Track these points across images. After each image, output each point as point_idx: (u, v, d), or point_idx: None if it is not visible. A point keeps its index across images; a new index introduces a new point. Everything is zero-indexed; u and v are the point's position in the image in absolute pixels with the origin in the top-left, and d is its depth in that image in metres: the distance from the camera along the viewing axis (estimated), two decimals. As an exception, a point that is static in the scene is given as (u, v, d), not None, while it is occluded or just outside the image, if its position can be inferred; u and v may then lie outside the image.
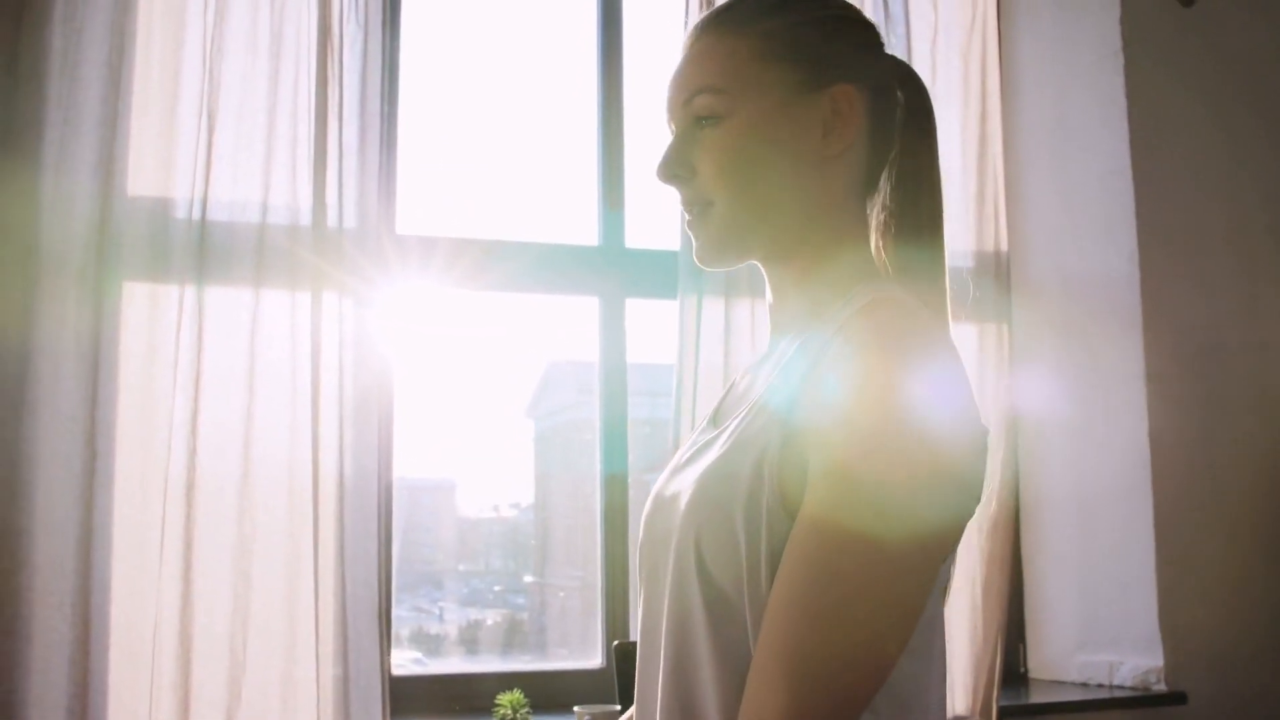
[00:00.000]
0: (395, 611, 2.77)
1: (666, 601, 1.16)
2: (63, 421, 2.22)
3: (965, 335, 2.91)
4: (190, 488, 2.29)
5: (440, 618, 3.19)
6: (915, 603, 1.04)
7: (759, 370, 1.28)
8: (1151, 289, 2.88)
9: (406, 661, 3.01)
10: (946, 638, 2.67)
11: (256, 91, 2.41)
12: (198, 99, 2.38)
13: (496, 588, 3.30)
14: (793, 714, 0.99)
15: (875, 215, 1.28)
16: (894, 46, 2.89)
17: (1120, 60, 2.96)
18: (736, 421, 1.17)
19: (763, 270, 1.29)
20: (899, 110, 1.26)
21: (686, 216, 1.26)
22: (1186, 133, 2.99)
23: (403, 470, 2.69)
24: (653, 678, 1.19)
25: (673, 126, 1.26)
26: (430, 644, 3.15)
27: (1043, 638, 3.08)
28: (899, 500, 1.01)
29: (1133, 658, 2.86)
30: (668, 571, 1.16)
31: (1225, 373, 2.94)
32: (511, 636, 3.22)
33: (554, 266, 2.84)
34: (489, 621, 3.24)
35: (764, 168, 1.20)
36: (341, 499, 2.36)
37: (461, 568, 3.37)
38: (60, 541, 2.20)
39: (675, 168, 1.24)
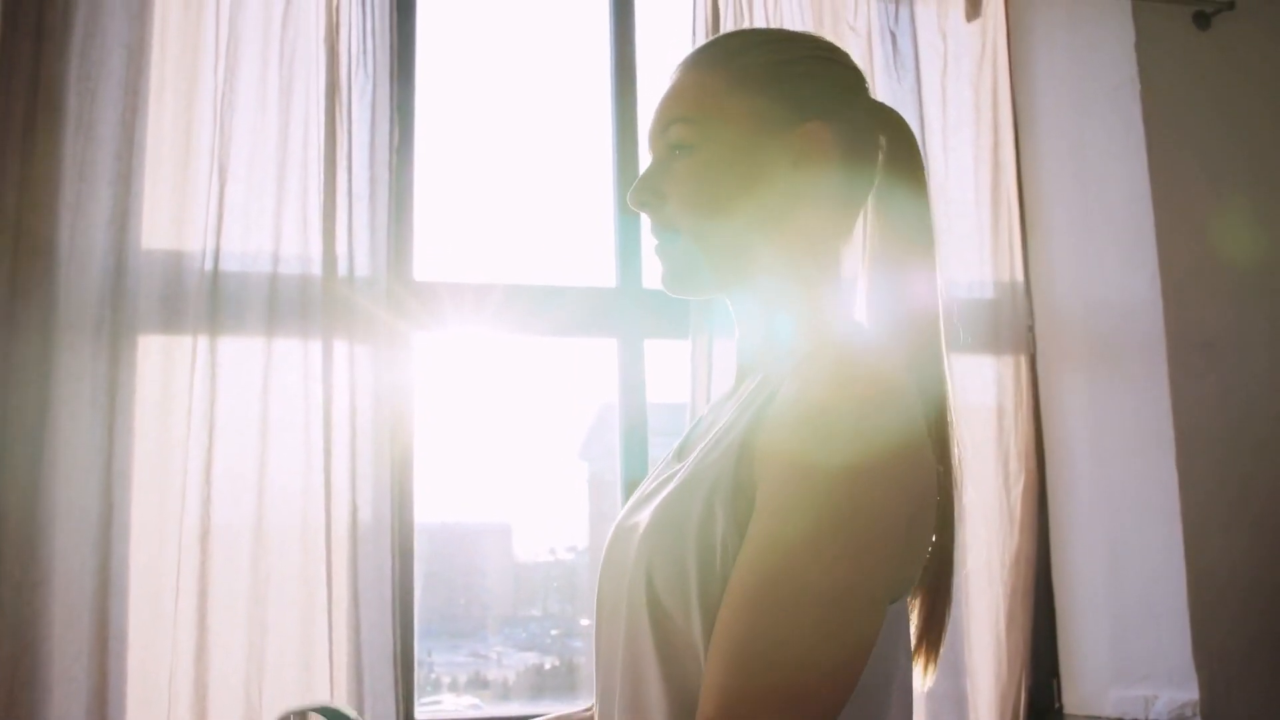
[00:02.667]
0: (450, 658, 2.78)
1: (622, 631, 1.15)
2: (79, 472, 2.26)
3: (983, 367, 2.89)
4: (205, 536, 2.32)
5: (498, 663, 3.19)
6: (856, 642, 1.02)
7: (723, 406, 1.28)
8: (1175, 315, 2.84)
9: (463, 707, 3.01)
10: (970, 672, 2.67)
11: (267, 144, 2.46)
12: (209, 153, 2.43)
13: (554, 632, 3.30)
14: None
15: (865, 259, 1.27)
16: (903, 78, 2.90)
17: (1136, 85, 2.93)
18: (695, 455, 1.17)
19: (729, 305, 1.29)
20: (880, 155, 1.26)
21: (655, 242, 1.27)
22: (1206, 157, 2.95)
23: (457, 515, 2.70)
24: (610, 710, 1.18)
25: (651, 154, 1.28)
26: (488, 689, 3.15)
27: (1076, 672, 3.03)
28: (837, 541, 1.00)
29: (1168, 691, 2.80)
30: (622, 601, 1.16)
31: (1253, 397, 2.89)
32: (570, 680, 3.21)
33: (572, 309, 2.84)
34: (546, 666, 3.24)
35: (730, 199, 1.21)
36: (354, 544, 2.38)
37: (518, 612, 3.37)
38: (77, 591, 2.23)
39: (645, 194, 1.25)
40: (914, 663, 1.22)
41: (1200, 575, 2.77)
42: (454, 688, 3.11)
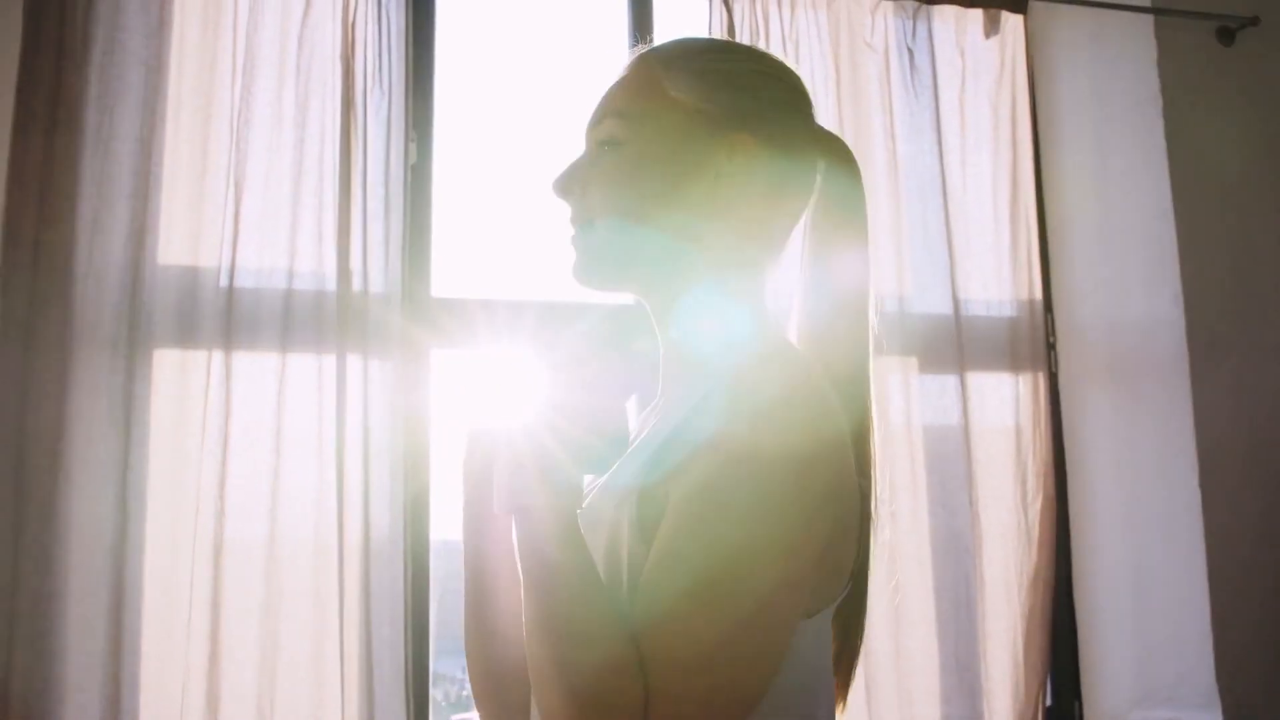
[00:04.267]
0: None
1: None
2: (95, 485, 2.28)
3: (1001, 385, 2.87)
4: (218, 549, 2.33)
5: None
6: (775, 651, 1.01)
7: (648, 418, 1.27)
8: (1197, 332, 2.82)
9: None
10: (987, 694, 2.64)
11: (282, 161, 2.48)
12: (226, 170, 2.45)
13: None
14: None
15: (799, 285, 1.26)
16: (920, 95, 2.89)
17: (1159, 102, 2.91)
18: (612, 472, 1.17)
19: (646, 308, 1.27)
20: (817, 179, 1.25)
21: (570, 232, 1.25)
22: (1229, 174, 2.92)
23: None
24: None
25: (584, 145, 1.27)
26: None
27: (1099, 694, 2.99)
28: (760, 548, 0.99)
29: (1191, 713, 2.76)
30: None
31: (1276, 416, 2.85)
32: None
33: (590, 325, 2.84)
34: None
35: (649, 199, 1.20)
36: (367, 560, 2.39)
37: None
38: (92, 603, 2.25)
39: (567, 183, 1.24)
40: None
41: (1224, 596, 2.74)
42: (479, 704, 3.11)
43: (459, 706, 3.07)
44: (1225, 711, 2.70)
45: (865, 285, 1.23)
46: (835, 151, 1.26)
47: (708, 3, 2.78)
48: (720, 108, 1.20)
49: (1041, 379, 2.88)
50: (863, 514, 1.14)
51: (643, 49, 1.28)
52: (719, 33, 2.74)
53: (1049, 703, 2.87)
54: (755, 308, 1.23)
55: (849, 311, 1.22)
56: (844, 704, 1.21)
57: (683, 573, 1.00)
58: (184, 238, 2.43)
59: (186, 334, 2.40)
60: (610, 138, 1.21)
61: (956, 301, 2.84)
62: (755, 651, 0.99)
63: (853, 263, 1.23)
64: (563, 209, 1.27)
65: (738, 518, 1.00)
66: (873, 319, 1.23)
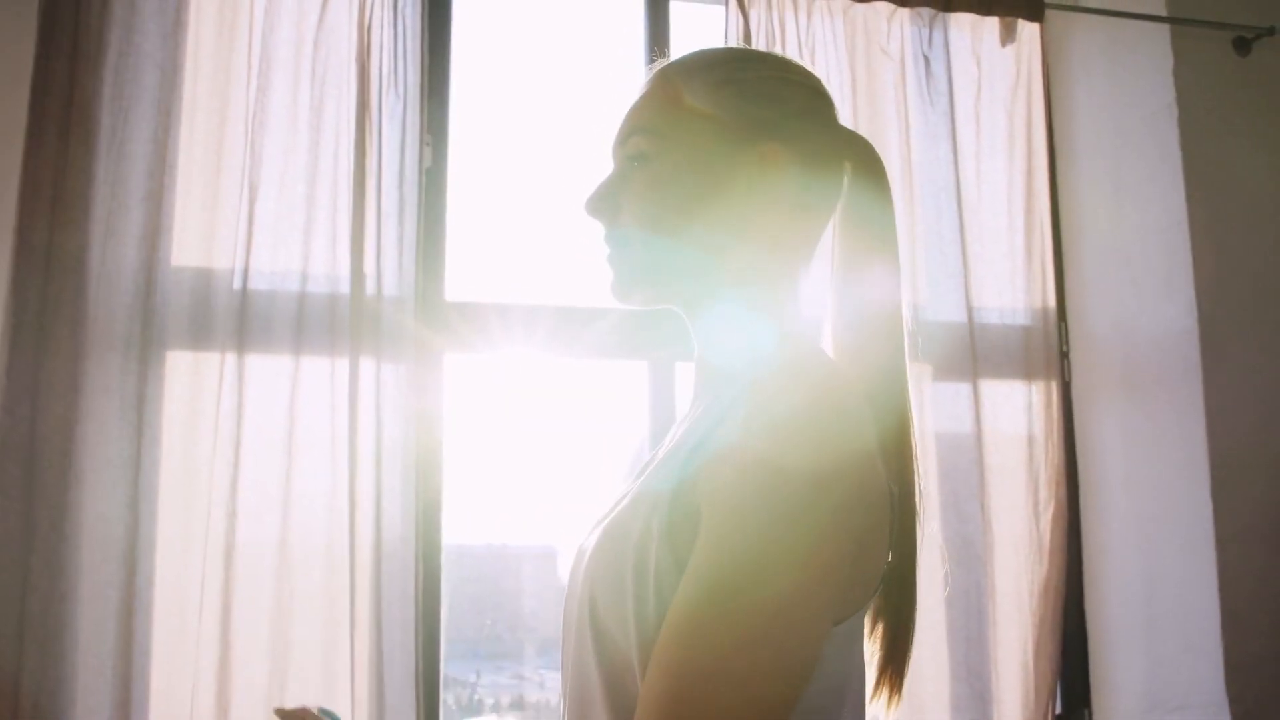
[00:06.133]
0: (493, 678, 2.77)
1: (572, 653, 1.15)
2: (106, 486, 2.28)
3: (1014, 393, 2.86)
4: (230, 551, 2.33)
5: (540, 684, 3.20)
6: (798, 657, 1.00)
7: (680, 426, 1.27)
8: (1211, 342, 2.81)
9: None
10: (997, 701, 2.64)
11: (297, 163, 2.48)
12: (240, 172, 2.45)
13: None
14: None
15: (830, 286, 1.26)
16: (936, 102, 2.88)
17: (1175, 112, 2.90)
18: (646, 474, 1.17)
19: (686, 320, 1.28)
20: (845, 180, 1.24)
21: (605, 251, 1.26)
22: (1244, 183, 2.91)
23: (503, 538, 2.70)
24: None
25: (612, 163, 1.27)
26: (531, 711, 3.15)
27: (1109, 702, 2.99)
28: (780, 554, 0.98)
29: (1201, 724, 2.76)
30: (573, 623, 1.15)
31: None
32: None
33: (603, 330, 2.83)
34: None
35: (683, 214, 1.20)
36: (378, 563, 2.39)
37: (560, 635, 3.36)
38: (103, 604, 2.25)
39: (600, 203, 1.24)
40: (876, 695, 1.20)
41: (1235, 605, 2.73)
42: (496, 708, 3.12)
43: (469, 710, 3.08)
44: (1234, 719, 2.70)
45: (896, 284, 1.22)
46: (861, 152, 1.26)
47: (724, 9, 2.78)
48: (747, 119, 1.20)
49: (1055, 388, 2.87)
50: (901, 518, 1.14)
51: (662, 63, 1.28)
52: (735, 39, 2.73)
53: (1059, 711, 2.87)
54: (784, 316, 1.23)
55: (882, 313, 1.22)
56: (899, 698, 1.21)
57: (703, 581, 0.99)
58: (198, 240, 2.43)
59: (199, 336, 2.40)
60: (639, 153, 1.22)
61: (970, 309, 2.83)
62: (776, 662, 0.98)
63: (883, 262, 1.23)
64: (595, 227, 1.27)
65: (755, 529, 0.99)
66: (907, 316, 1.23)
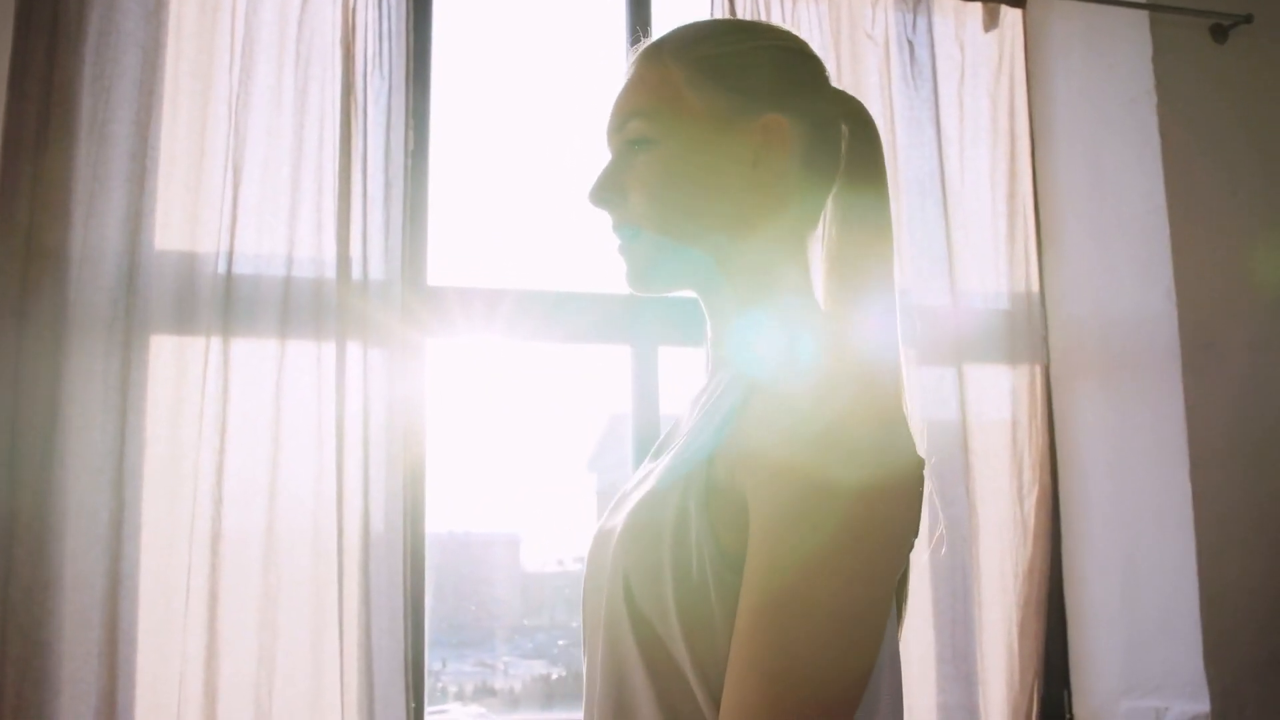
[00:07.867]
0: (458, 666, 2.75)
1: (602, 640, 1.14)
2: (90, 473, 2.25)
3: (998, 377, 2.88)
4: (216, 538, 2.30)
5: (505, 672, 3.18)
6: (868, 656, 1.01)
7: (697, 402, 1.26)
8: (1190, 327, 2.83)
9: (470, 716, 3.00)
10: (982, 682, 2.66)
11: (281, 146, 2.45)
12: (224, 155, 2.42)
13: (561, 642, 3.29)
14: None
15: (824, 251, 1.25)
16: (920, 87, 2.89)
17: (1153, 98, 2.92)
18: (669, 454, 1.16)
19: (701, 302, 1.27)
20: (843, 145, 1.24)
21: (616, 241, 1.24)
22: (1223, 169, 2.94)
23: (466, 525, 2.68)
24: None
25: (610, 151, 1.25)
26: (494, 698, 3.13)
27: (1088, 684, 3.01)
28: (854, 558, 0.99)
29: (1179, 703, 2.78)
30: (602, 608, 1.14)
31: (1267, 410, 2.88)
32: (577, 690, 3.19)
33: (586, 315, 2.81)
34: (553, 676, 3.23)
35: (691, 194, 1.19)
36: (366, 550, 2.37)
37: (526, 622, 3.36)
38: (87, 593, 2.22)
39: (605, 191, 1.22)
40: None
41: (1213, 587, 2.76)
42: (460, 697, 3.10)
43: (434, 699, 3.06)
44: (1213, 701, 2.72)
45: (890, 250, 1.22)
46: (856, 112, 1.25)
47: (709, -9, 2.77)
48: (745, 93, 1.19)
49: (1038, 371, 2.89)
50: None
51: (646, 44, 1.25)
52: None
53: (1042, 691, 2.89)
54: (801, 285, 1.22)
55: (876, 283, 1.21)
56: None
57: (780, 590, 0.99)
58: (181, 223, 2.40)
59: (184, 320, 2.37)
60: (640, 138, 1.20)
61: (955, 294, 2.84)
62: (858, 663, 1.00)
63: (878, 230, 1.22)
64: (602, 217, 1.25)
65: (818, 544, 0.99)
66: (898, 277, 1.23)
